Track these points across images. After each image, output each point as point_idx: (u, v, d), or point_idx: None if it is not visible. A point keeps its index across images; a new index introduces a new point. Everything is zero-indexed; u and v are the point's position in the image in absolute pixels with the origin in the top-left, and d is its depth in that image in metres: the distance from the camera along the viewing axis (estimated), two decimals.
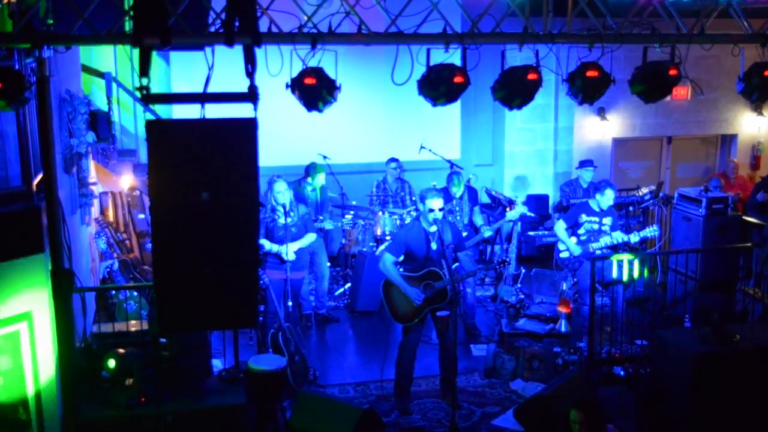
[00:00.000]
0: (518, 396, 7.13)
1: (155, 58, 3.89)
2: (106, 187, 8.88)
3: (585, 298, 8.07)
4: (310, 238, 7.79)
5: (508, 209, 9.23)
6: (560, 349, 7.57)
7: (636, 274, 7.67)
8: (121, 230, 8.73)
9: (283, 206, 7.53)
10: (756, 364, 6.04)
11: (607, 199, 8.10)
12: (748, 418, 5.94)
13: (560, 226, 8.29)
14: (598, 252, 8.03)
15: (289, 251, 7.45)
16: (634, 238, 8.09)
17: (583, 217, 8.19)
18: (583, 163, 10.12)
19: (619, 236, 8.10)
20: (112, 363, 5.54)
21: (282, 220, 7.53)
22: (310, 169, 9.12)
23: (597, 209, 8.17)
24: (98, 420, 5.46)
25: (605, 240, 8.09)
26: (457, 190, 8.81)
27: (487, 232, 8.63)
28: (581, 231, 8.19)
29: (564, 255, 8.35)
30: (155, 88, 3.57)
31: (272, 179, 7.73)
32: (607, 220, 8.17)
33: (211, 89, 3.69)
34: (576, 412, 4.97)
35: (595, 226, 8.15)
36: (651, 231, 8.16)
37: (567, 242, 8.22)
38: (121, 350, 5.61)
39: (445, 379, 6.98)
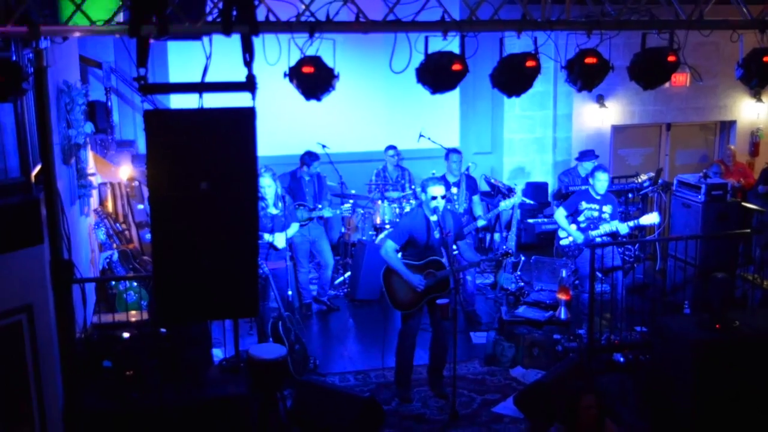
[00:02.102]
0: (518, 383, 7.15)
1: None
2: (104, 177, 8.88)
3: (585, 285, 8.06)
4: (294, 228, 7.95)
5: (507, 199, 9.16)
6: (560, 336, 7.58)
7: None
8: (120, 221, 8.74)
9: (278, 195, 7.61)
10: (756, 350, 6.05)
11: (600, 183, 8.03)
12: (749, 404, 5.96)
13: (560, 214, 8.26)
14: (598, 239, 8.02)
15: (278, 240, 7.56)
16: (623, 229, 8.02)
17: (583, 205, 8.16)
18: (584, 156, 9.99)
19: (614, 226, 8.05)
20: None
21: (271, 210, 7.58)
22: (306, 158, 9.11)
23: (597, 197, 8.14)
24: (100, 411, 5.47)
25: (605, 227, 8.07)
26: (456, 168, 8.76)
27: (481, 222, 8.62)
28: (581, 218, 8.16)
29: (564, 242, 8.33)
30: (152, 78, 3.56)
31: (258, 172, 7.78)
32: (607, 208, 8.13)
33: (209, 79, 3.67)
34: (590, 397, 5.00)
35: (595, 214, 8.12)
36: (648, 219, 8.10)
37: (568, 229, 8.18)
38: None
39: (433, 369, 6.97)
